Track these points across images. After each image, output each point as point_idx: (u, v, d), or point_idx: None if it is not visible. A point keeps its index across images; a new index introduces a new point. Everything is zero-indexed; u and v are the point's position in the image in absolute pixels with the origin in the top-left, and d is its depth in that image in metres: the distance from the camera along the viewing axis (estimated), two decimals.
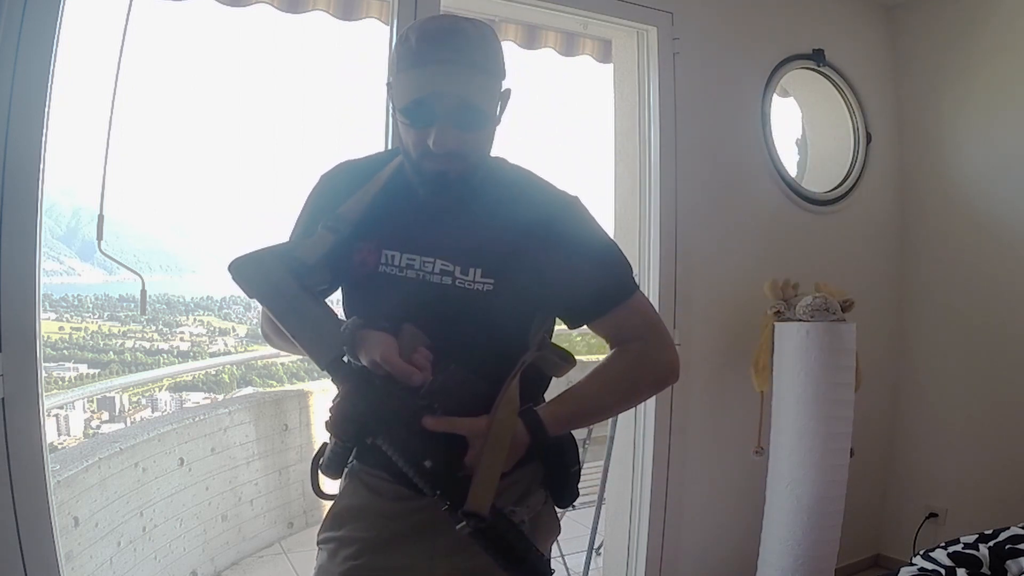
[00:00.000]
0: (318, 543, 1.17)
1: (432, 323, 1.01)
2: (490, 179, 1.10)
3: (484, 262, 1.05)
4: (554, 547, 1.24)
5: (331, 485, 1.16)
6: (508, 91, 1.07)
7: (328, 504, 1.17)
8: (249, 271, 1.00)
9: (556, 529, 1.19)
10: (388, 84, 1.07)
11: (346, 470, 1.15)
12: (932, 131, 3.05)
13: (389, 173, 1.11)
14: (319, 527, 1.17)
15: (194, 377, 6.80)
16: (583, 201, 1.13)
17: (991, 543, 1.75)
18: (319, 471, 1.12)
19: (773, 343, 2.51)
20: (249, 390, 5.96)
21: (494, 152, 1.10)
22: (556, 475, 1.12)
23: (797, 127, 3.25)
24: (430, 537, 1.08)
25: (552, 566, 1.06)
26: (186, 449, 3.17)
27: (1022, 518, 1.97)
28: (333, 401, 0.98)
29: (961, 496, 2.93)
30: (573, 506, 1.20)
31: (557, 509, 1.18)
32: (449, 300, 1.05)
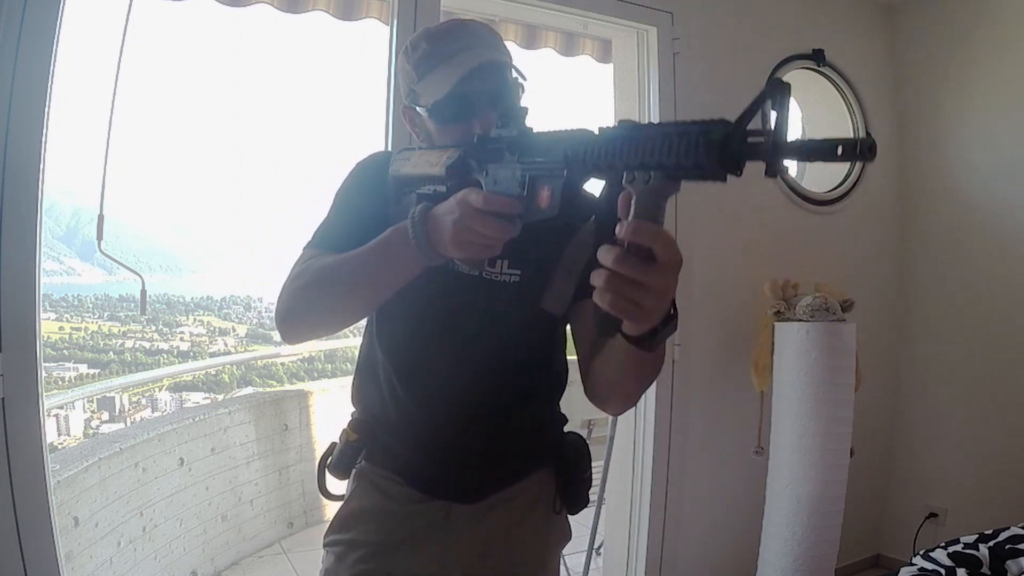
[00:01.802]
0: (325, 545, 1.14)
1: (459, 312, 1.01)
2: None
3: (510, 253, 1.03)
4: None
5: (338, 486, 1.16)
6: (522, 85, 1.08)
7: (332, 505, 1.16)
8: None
9: (568, 535, 1.19)
10: (407, 106, 1.06)
11: (354, 471, 1.14)
12: (932, 131, 3.05)
13: None
14: (326, 529, 1.15)
15: (194, 377, 6.82)
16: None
17: (991, 543, 1.75)
18: (326, 471, 1.11)
19: (773, 343, 2.51)
20: (249, 390, 5.97)
21: None
22: (571, 482, 1.14)
23: (797, 127, 3.25)
24: (442, 541, 1.08)
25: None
26: (186, 449, 3.17)
27: (1022, 518, 1.97)
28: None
29: (961, 496, 2.93)
30: None
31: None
32: (476, 290, 1.05)
